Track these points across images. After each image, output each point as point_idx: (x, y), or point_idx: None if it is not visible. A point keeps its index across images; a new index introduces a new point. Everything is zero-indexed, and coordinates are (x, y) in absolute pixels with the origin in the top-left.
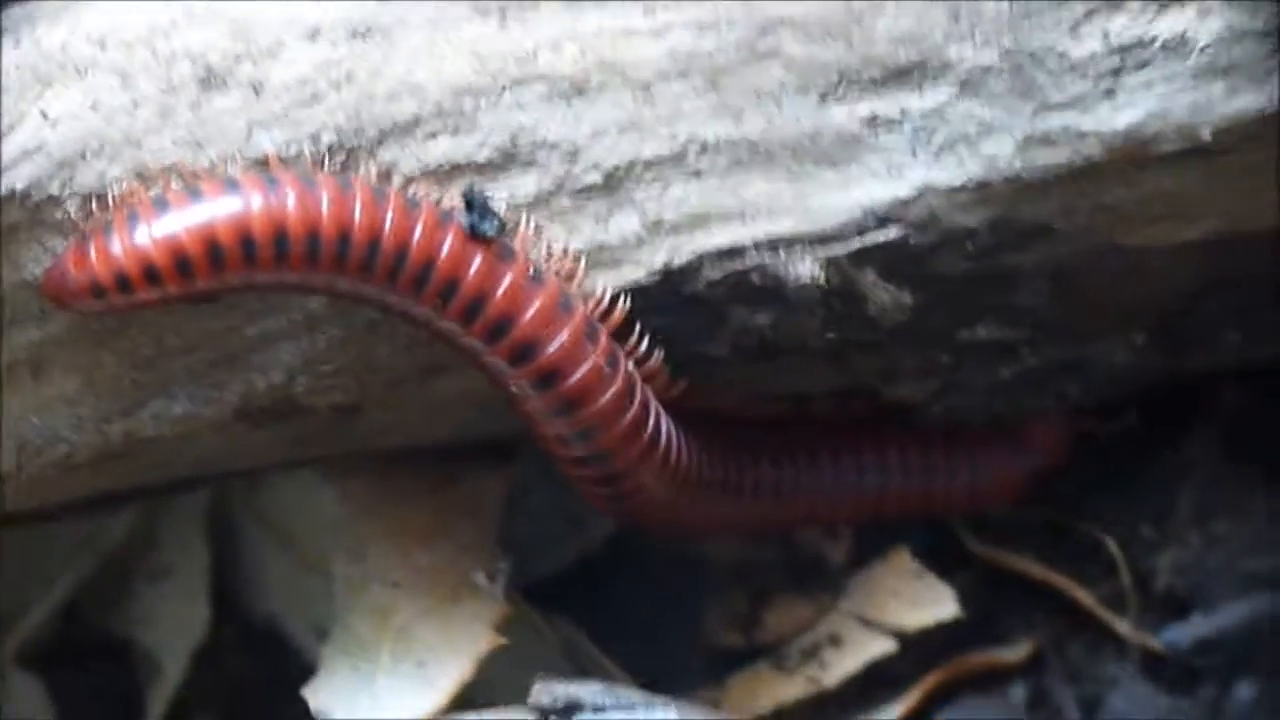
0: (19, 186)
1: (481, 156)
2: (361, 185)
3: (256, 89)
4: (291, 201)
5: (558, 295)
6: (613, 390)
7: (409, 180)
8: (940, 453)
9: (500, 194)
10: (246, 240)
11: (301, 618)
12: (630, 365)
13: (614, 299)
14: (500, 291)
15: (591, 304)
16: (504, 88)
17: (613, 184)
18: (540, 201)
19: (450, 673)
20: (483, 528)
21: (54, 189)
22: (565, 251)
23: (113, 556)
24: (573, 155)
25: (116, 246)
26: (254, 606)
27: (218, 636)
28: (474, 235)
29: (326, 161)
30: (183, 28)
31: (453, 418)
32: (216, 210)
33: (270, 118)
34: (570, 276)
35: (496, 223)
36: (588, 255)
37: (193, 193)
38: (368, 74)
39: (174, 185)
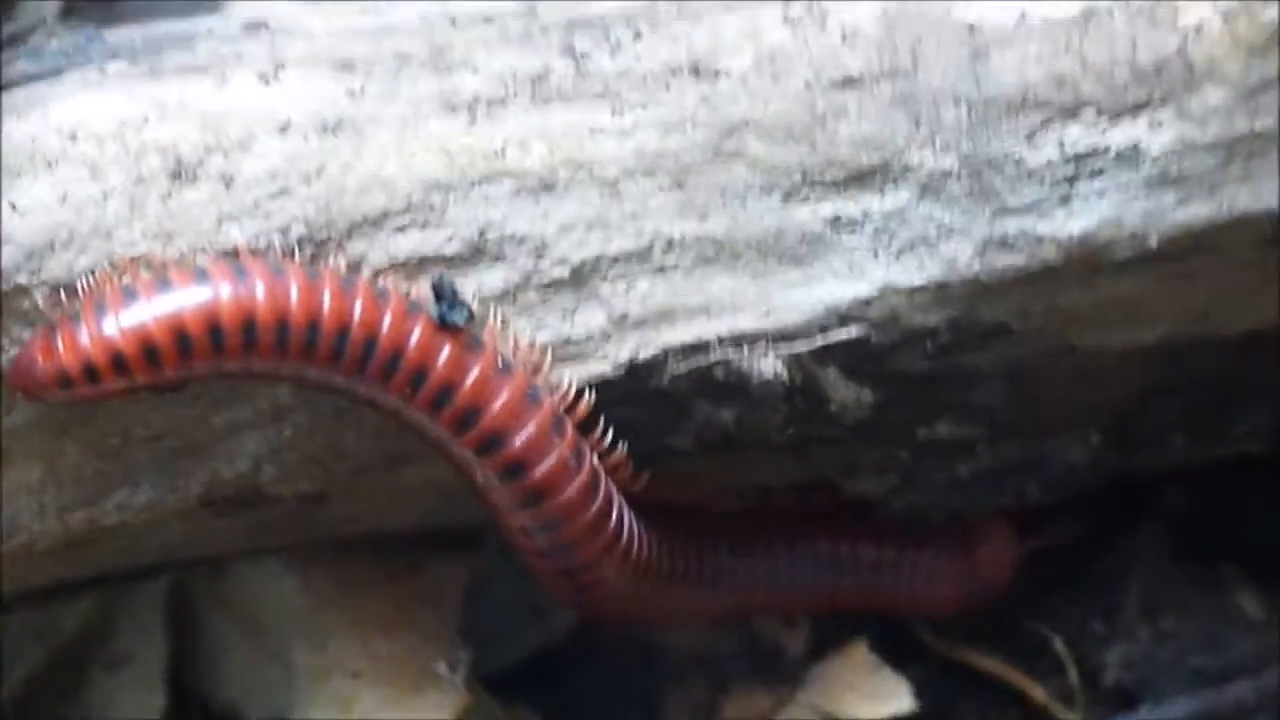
0: None
1: (450, 250)
2: (330, 274)
3: (227, 181)
4: (260, 290)
5: (525, 387)
6: (577, 483)
7: (378, 272)
8: (892, 552)
9: (469, 286)
10: (215, 329)
11: (261, 707)
12: (595, 458)
13: (579, 392)
14: (469, 382)
15: (558, 397)
16: (473, 183)
17: (579, 279)
18: (508, 295)
19: None
20: (444, 617)
21: (21, 279)
22: (532, 344)
23: (69, 644)
24: (540, 250)
25: (84, 336)
26: (213, 695)
27: None
28: (443, 325)
29: (296, 253)
30: (153, 121)
31: (418, 506)
32: (185, 299)
33: (240, 210)
34: (537, 369)
35: (465, 312)
36: (554, 349)
37: (161, 282)
38: (338, 168)
39: (142, 275)
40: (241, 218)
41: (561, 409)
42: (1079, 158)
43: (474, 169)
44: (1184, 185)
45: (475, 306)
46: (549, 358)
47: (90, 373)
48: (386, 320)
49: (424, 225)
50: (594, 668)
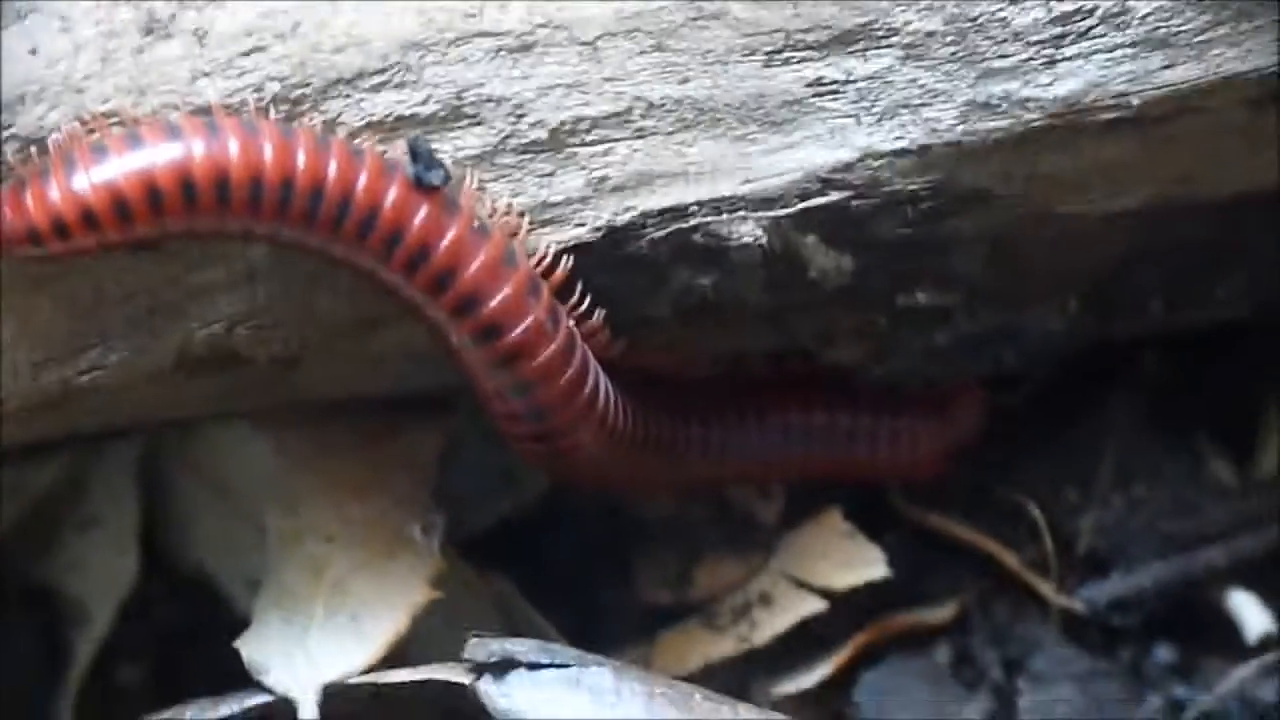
0: None
1: (427, 111)
2: (305, 133)
3: (200, 37)
4: (234, 147)
5: (502, 249)
6: (553, 346)
7: (354, 132)
8: (868, 418)
9: (445, 149)
10: (187, 185)
11: (232, 569)
12: (572, 323)
13: (557, 256)
14: (444, 243)
15: (535, 260)
16: (450, 43)
17: (558, 142)
18: (485, 158)
19: (384, 627)
20: (418, 482)
21: None
22: (509, 208)
23: (41, 504)
24: (518, 112)
25: (54, 192)
26: (184, 557)
27: (147, 587)
28: (419, 185)
29: (271, 111)
30: None
31: (391, 371)
32: (157, 155)
33: (214, 66)
34: (514, 232)
35: (442, 173)
36: (531, 213)
37: (132, 137)
38: (313, 25)
39: (113, 131)
40: (215, 74)
41: (538, 272)
42: (1066, 18)
43: (451, 28)
44: (1171, 46)
45: (452, 169)
46: (526, 221)
47: (60, 229)
48: (362, 179)
49: (400, 85)
50: (566, 534)
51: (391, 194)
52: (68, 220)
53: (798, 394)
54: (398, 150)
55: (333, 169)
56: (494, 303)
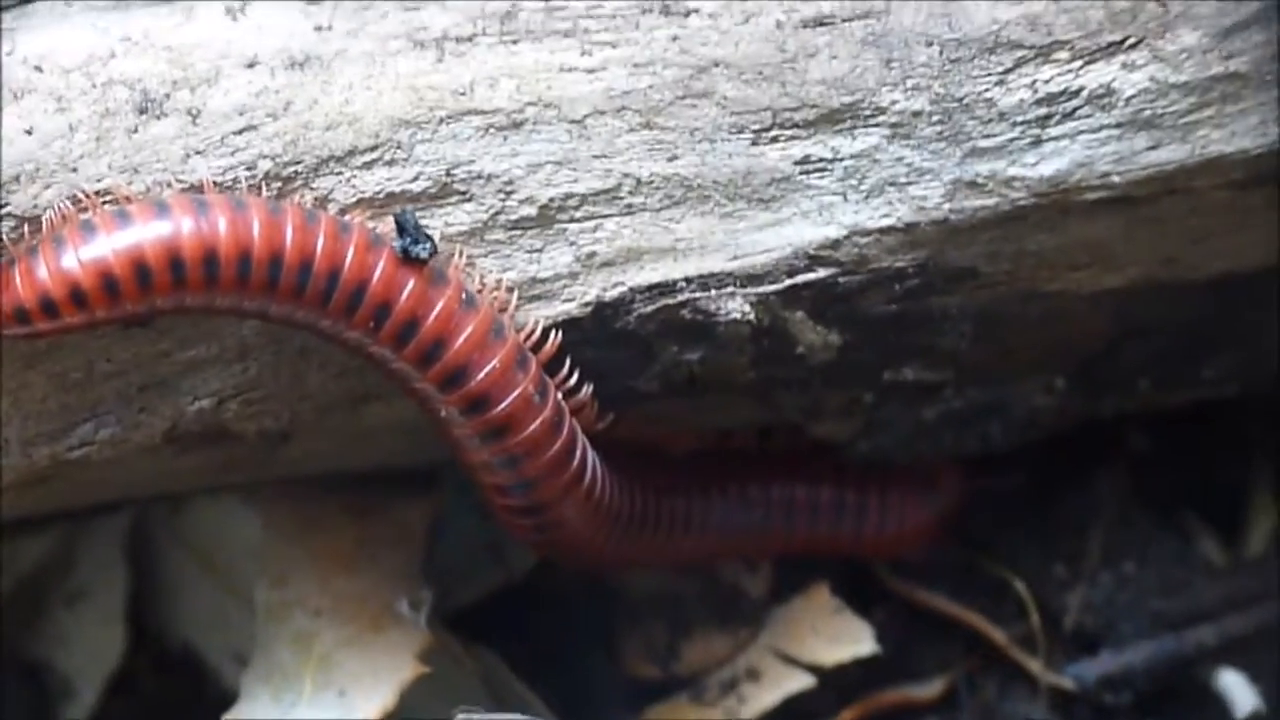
0: None
1: (417, 187)
2: (293, 209)
3: (193, 116)
4: (222, 224)
5: (490, 321)
6: (541, 419)
7: (344, 209)
8: (853, 494)
9: (435, 225)
10: (176, 262)
11: (220, 643)
12: (559, 396)
13: (546, 331)
14: (433, 315)
15: (523, 335)
16: (440, 121)
17: (547, 218)
18: (475, 233)
19: (372, 702)
20: (406, 556)
21: None
22: (498, 283)
23: (28, 578)
24: (508, 188)
25: (42, 270)
26: (172, 631)
27: (134, 661)
28: (406, 258)
29: (263, 189)
30: (120, 54)
31: (380, 446)
32: (145, 233)
33: (207, 145)
34: (503, 307)
35: (429, 246)
36: (520, 288)
37: (121, 216)
38: (305, 104)
39: (102, 209)
40: (208, 153)
41: (527, 346)
42: (1051, 99)
43: (442, 106)
44: (1157, 127)
45: (441, 245)
46: (515, 296)
47: (48, 307)
48: (350, 254)
49: (391, 163)
50: (553, 608)
51: (380, 268)
52: (56, 299)
53: (781, 468)
54: (386, 225)
55: (320, 244)
56: (481, 375)
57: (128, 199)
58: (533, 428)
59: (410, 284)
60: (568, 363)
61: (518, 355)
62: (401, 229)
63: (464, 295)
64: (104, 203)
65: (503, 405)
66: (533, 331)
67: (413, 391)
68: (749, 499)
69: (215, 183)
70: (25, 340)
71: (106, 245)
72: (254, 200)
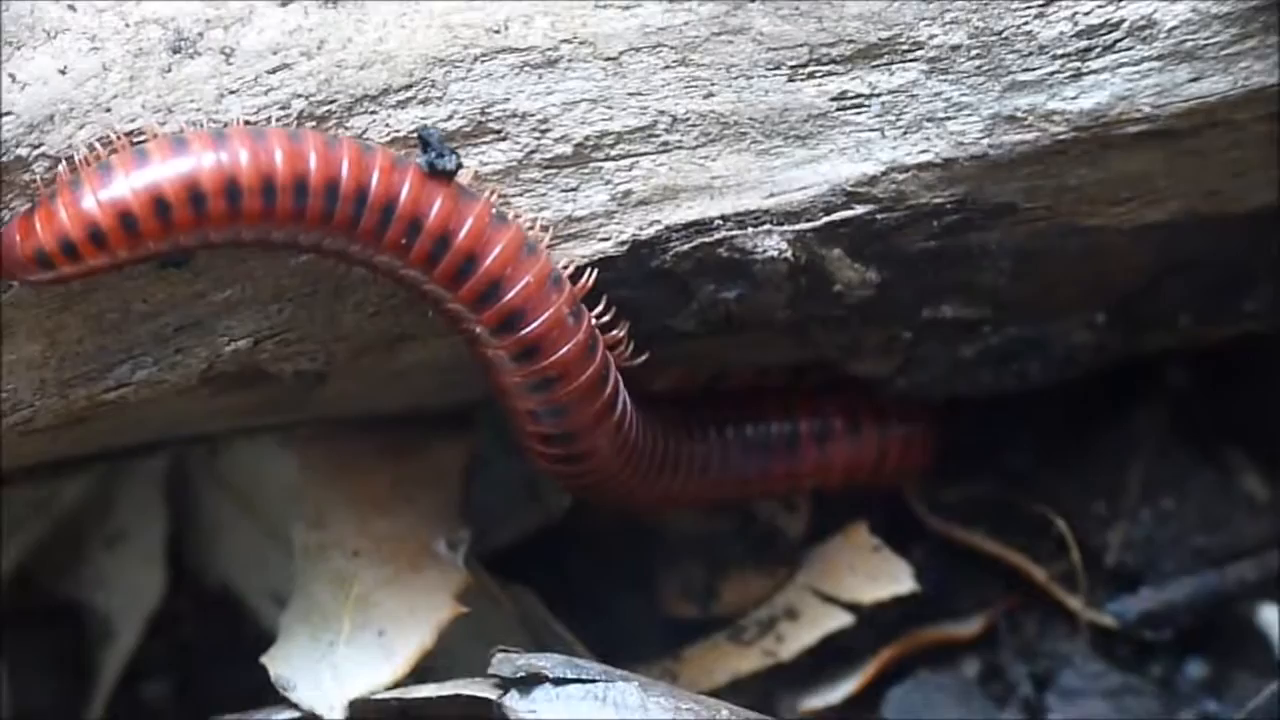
0: None
1: (452, 126)
2: (313, 135)
3: (227, 55)
4: (243, 154)
5: (522, 237)
6: (574, 341)
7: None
8: (859, 420)
9: (470, 164)
10: (196, 196)
11: (259, 584)
12: (593, 321)
13: (581, 270)
14: (463, 231)
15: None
16: (475, 59)
17: (582, 156)
18: (510, 172)
19: (411, 642)
20: (443, 497)
21: (21, 152)
22: (533, 222)
23: (67, 520)
24: (543, 126)
25: (61, 212)
26: (210, 572)
27: (173, 602)
28: (433, 173)
29: (298, 126)
30: None
31: (416, 387)
32: (163, 168)
33: (240, 84)
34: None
35: (454, 159)
36: (556, 227)
37: (139, 153)
38: (339, 42)
39: (122, 148)
40: (241, 92)
41: (559, 267)
42: (1091, 31)
43: (476, 44)
44: (1198, 59)
45: (472, 179)
46: (549, 234)
47: (68, 249)
48: (375, 173)
49: (425, 101)
50: (591, 548)
51: (407, 185)
52: (75, 240)
53: (791, 401)
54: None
55: (345, 167)
56: (514, 291)
57: (145, 136)
58: (566, 349)
59: (439, 200)
60: (602, 300)
61: (551, 272)
62: (425, 144)
63: (494, 210)
64: (130, 143)
65: (536, 324)
66: (569, 269)
67: (445, 314)
68: (757, 437)
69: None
70: (52, 285)
71: (124, 183)
72: (274, 129)
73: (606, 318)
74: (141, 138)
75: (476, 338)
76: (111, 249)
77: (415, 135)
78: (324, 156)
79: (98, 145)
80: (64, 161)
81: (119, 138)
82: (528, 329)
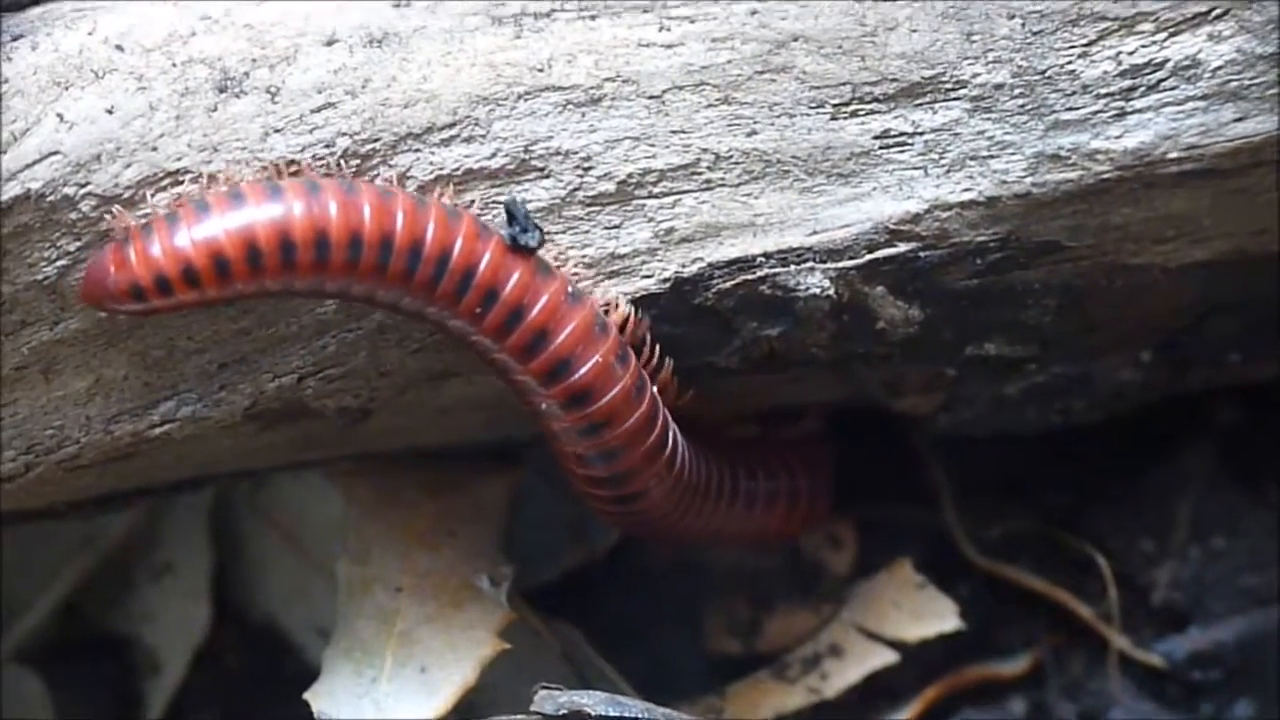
0: (34, 188)
1: (495, 164)
2: (403, 193)
3: (272, 94)
4: (333, 207)
5: (595, 316)
6: (638, 414)
7: (423, 186)
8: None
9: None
10: (286, 244)
11: (303, 618)
12: (654, 390)
13: (635, 314)
14: (538, 307)
15: (617, 316)
16: (518, 97)
17: (625, 194)
18: (553, 210)
19: (453, 678)
20: (486, 532)
21: (69, 191)
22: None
23: (114, 553)
24: (586, 164)
25: (156, 248)
26: (255, 606)
27: (218, 636)
28: (515, 247)
29: (342, 166)
30: (200, 33)
31: (460, 422)
32: (257, 214)
33: (285, 123)
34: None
35: (537, 235)
36: (599, 264)
37: (234, 196)
38: (383, 81)
39: (216, 190)
40: (286, 131)
41: (627, 340)
42: (1136, 70)
43: (520, 83)
44: (1243, 99)
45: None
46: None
47: (162, 284)
48: (459, 240)
49: (469, 139)
50: (634, 584)
51: (488, 255)
52: (170, 277)
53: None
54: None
55: (430, 229)
56: (583, 372)
57: (237, 179)
58: (630, 422)
59: (517, 273)
60: (650, 341)
61: (619, 351)
62: (511, 217)
63: (570, 288)
64: (219, 184)
65: (603, 401)
66: (618, 308)
67: (511, 380)
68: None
69: (296, 161)
70: (139, 316)
71: (219, 225)
72: (364, 184)
73: (654, 359)
74: (225, 180)
75: (541, 409)
76: (203, 288)
77: (503, 206)
78: (411, 217)
79: (194, 182)
80: (156, 199)
81: (206, 179)
82: (593, 407)
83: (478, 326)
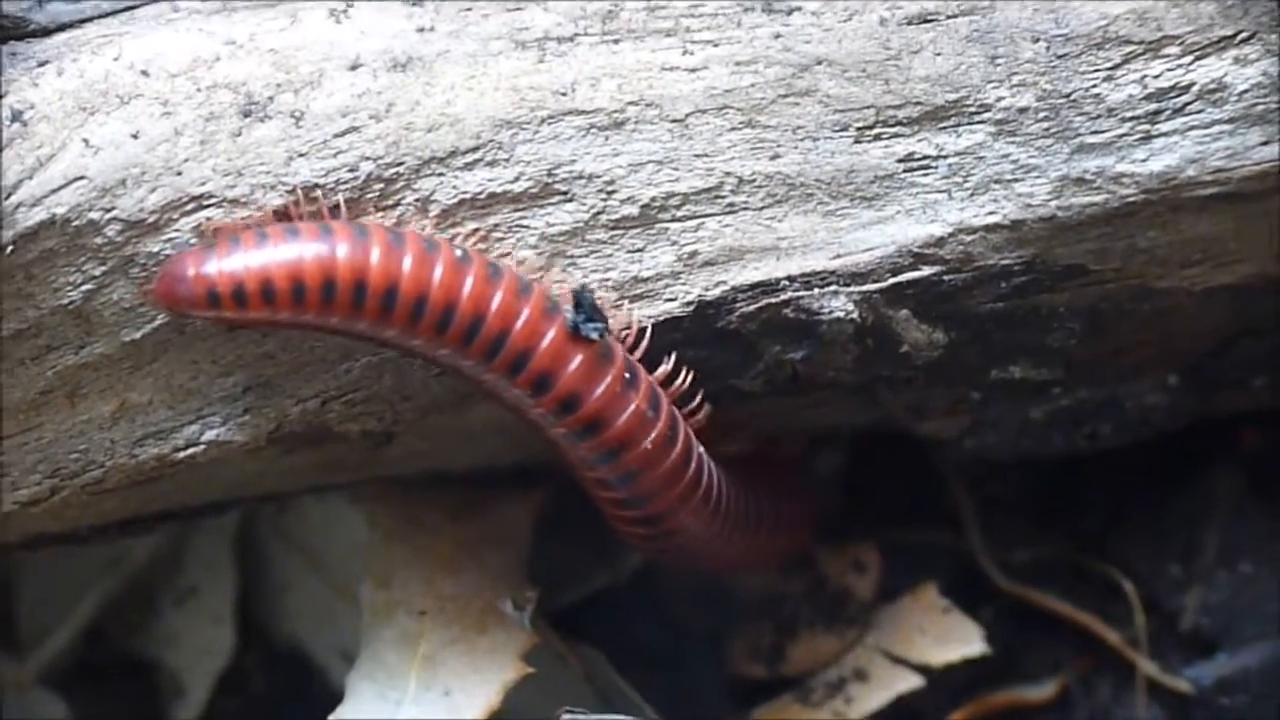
0: (59, 213)
1: (519, 188)
2: (480, 259)
3: (297, 119)
4: (407, 263)
5: (649, 398)
6: (685, 482)
7: (453, 210)
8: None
9: (537, 225)
10: (359, 286)
11: (327, 642)
12: (706, 462)
13: (677, 368)
14: (594, 395)
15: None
16: (542, 121)
17: (648, 217)
18: (576, 233)
19: (477, 702)
20: (510, 556)
21: (94, 216)
22: (638, 328)
23: (138, 577)
24: (609, 188)
25: (240, 260)
26: (279, 629)
27: (242, 659)
28: (576, 335)
29: (364, 189)
30: (225, 58)
31: (483, 446)
32: (343, 250)
33: (310, 147)
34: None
35: (601, 327)
36: (622, 288)
37: (323, 229)
38: (407, 105)
39: (309, 218)
40: (310, 155)
41: (680, 420)
42: (1161, 94)
43: (543, 107)
44: (1269, 123)
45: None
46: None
47: (239, 296)
48: (523, 317)
49: (492, 163)
50: (658, 607)
51: (548, 338)
52: (249, 291)
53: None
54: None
55: (496, 303)
56: (633, 454)
57: (330, 211)
58: (676, 490)
59: (576, 360)
60: (683, 374)
61: (670, 429)
62: (578, 304)
63: (627, 375)
64: (307, 209)
65: (653, 477)
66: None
67: (560, 450)
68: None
69: (318, 185)
70: (206, 321)
71: (299, 251)
72: (444, 242)
73: (683, 386)
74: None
75: (591, 478)
76: (276, 308)
77: (575, 292)
78: (481, 284)
79: (283, 201)
80: (248, 215)
81: (297, 202)
82: (644, 484)
83: (531, 404)
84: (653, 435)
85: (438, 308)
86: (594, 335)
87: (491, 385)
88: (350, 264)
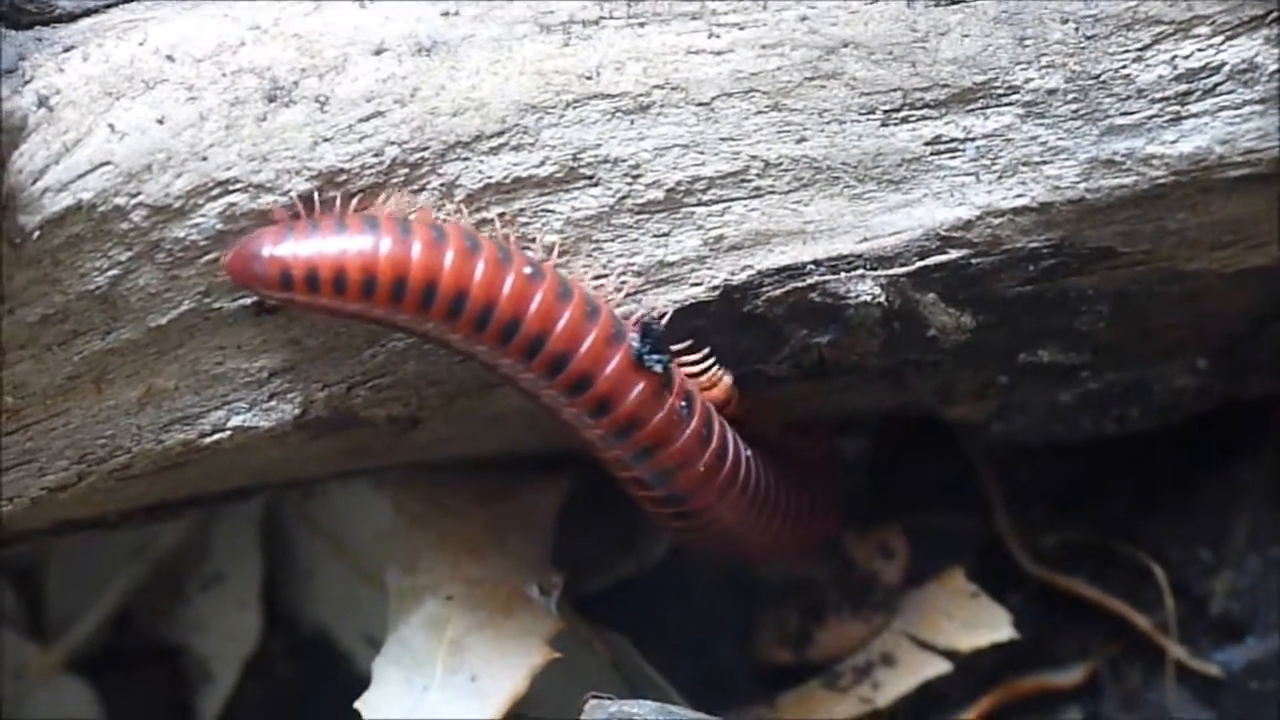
0: (85, 198)
1: (544, 172)
2: (553, 274)
3: (322, 104)
4: (480, 270)
5: (704, 422)
6: (727, 496)
7: (478, 194)
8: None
9: (562, 210)
10: (429, 286)
11: (353, 627)
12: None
13: (724, 384)
14: (652, 422)
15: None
16: (567, 105)
17: (674, 201)
18: (601, 218)
19: (503, 687)
20: (536, 541)
21: (120, 201)
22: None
23: (165, 564)
24: (635, 172)
25: (317, 246)
26: (305, 615)
27: (269, 644)
28: (639, 364)
29: (389, 174)
30: (250, 43)
31: (508, 431)
32: (420, 250)
33: (335, 132)
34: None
35: (665, 360)
36: (648, 272)
37: (402, 225)
38: (432, 90)
39: (390, 212)
40: (335, 140)
41: (730, 438)
42: (1192, 75)
43: (568, 91)
44: None
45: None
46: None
47: (311, 280)
48: (588, 340)
49: (518, 148)
50: (685, 593)
51: (612, 364)
52: (322, 278)
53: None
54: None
55: (563, 322)
56: (684, 477)
57: (409, 208)
58: (714, 485)
59: (638, 388)
60: (713, 365)
61: (720, 449)
62: (645, 334)
63: (684, 403)
64: (383, 203)
65: (695, 490)
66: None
67: (607, 461)
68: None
69: (343, 169)
70: (276, 301)
71: (376, 245)
72: (518, 254)
73: (714, 373)
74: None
75: (632, 484)
76: (346, 298)
77: (640, 322)
78: (550, 300)
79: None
80: (321, 200)
81: (375, 197)
82: (689, 500)
83: (588, 424)
84: (691, 439)
85: (504, 317)
86: (656, 369)
87: (529, 384)
88: (424, 265)
